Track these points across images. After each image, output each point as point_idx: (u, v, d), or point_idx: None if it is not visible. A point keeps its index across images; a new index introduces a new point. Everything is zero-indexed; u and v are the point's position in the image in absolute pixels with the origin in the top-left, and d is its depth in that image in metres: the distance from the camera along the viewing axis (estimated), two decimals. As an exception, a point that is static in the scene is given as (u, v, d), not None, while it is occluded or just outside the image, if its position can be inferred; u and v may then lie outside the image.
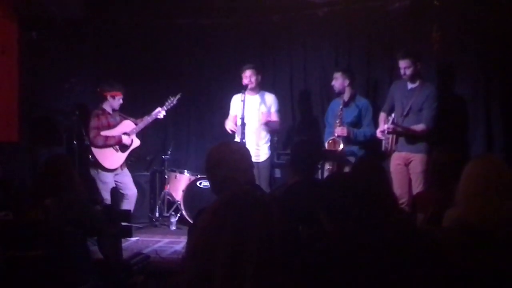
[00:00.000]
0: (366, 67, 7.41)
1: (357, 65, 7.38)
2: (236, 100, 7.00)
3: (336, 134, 6.44)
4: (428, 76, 6.40)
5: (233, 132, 6.92)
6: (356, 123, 6.59)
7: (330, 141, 6.49)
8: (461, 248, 2.49)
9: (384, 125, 6.23)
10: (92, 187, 6.88)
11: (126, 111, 7.23)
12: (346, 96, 6.60)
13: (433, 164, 4.35)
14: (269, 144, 6.99)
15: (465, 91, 6.75)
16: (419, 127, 6.05)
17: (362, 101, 6.69)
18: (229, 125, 7.01)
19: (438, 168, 4.20)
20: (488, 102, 6.60)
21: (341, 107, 6.47)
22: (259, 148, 6.83)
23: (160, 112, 7.09)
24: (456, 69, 6.80)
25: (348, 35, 7.55)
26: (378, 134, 6.27)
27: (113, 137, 6.93)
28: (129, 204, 6.91)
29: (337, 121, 6.45)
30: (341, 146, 6.41)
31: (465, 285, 2.29)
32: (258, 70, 6.92)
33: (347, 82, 6.64)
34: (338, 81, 6.63)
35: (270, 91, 7.16)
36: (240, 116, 6.51)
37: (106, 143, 6.89)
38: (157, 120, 7.18)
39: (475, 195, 2.68)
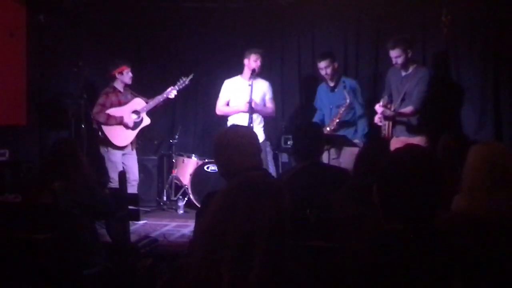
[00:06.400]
0: (375, 51, 7.39)
1: (365, 49, 7.36)
2: (228, 85, 6.99)
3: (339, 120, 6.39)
4: (436, 61, 6.36)
5: (226, 117, 6.87)
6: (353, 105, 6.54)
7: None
8: (470, 236, 2.50)
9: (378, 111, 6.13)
10: (101, 167, 6.90)
11: (135, 92, 7.23)
12: (334, 80, 6.58)
13: (441, 148, 4.34)
14: (262, 125, 6.93)
15: (474, 76, 6.71)
16: (408, 109, 5.97)
17: (352, 82, 6.63)
18: (220, 110, 6.98)
19: (445, 151, 4.19)
20: (497, 89, 6.57)
21: (348, 99, 6.32)
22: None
23: (172, 92, 7.09)
24: (465, 55, 6.75)
25: (357, 19, 7.52)
26: (376, 120, 6.18)
27: (115, 117, 6.90)
28: (130, 188, 6.87)
29: (343, 109, 6.36)
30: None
31: (474, 270, 2.29)
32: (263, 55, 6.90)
33: (336, 64, 6.60)
34: (330, 68, 6.51)
35: (278, 75, 7.12)
36: (248, 101, 6.50)
37: (107, 122, 6.87)
38: (168, 100, 7.16)
39: (480, 187, 2.69)
